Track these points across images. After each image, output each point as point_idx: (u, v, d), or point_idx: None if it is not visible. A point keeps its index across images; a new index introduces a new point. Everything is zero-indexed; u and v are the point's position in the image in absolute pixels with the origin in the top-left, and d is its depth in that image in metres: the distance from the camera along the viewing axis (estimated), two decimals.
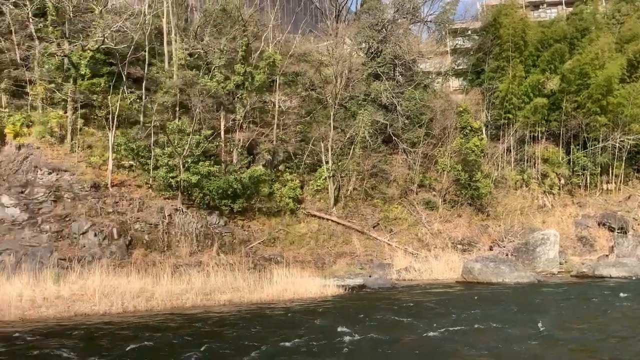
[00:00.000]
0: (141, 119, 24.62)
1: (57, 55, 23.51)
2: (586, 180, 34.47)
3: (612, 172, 34.46)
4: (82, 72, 23.29)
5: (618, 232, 30.22)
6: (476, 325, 12.64)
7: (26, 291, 16.11)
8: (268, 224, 25.74)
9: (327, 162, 28.41)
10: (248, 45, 27.08)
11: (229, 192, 23.84)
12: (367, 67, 32.14)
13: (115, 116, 22.89)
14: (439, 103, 32.65)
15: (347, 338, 11.37)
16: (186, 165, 23.04)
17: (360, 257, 25.80)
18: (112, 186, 22.30)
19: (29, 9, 23.52)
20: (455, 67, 39.21)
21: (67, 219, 20.49)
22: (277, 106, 28.36)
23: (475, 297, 17.77)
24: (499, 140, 34.51)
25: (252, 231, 24.90)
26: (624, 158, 34.17)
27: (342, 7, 39.10)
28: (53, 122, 22.77)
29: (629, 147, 33.85)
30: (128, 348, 10.87)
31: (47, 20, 23.33)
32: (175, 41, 27.00)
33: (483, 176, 31.08)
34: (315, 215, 27.19)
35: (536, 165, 34.30)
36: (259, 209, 25.70)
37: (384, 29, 33.50)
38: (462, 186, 30.67)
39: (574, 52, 35.23)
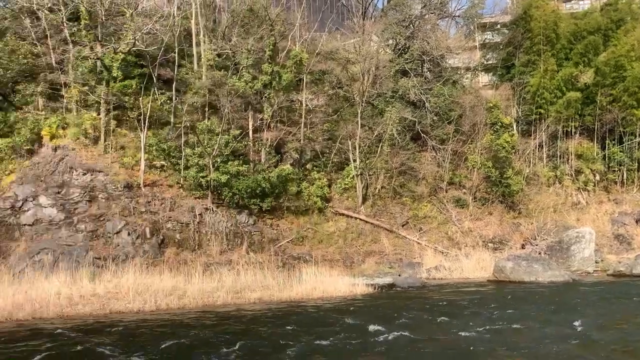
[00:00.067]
0: (172, 119, 25.02)
1: (90, 59, 24.10)
2: (622, 176, 33.44)
3: None
4: (114, 75, 23.80)
5: None
6: (512, 325, 12.40)
7: (64, 289, 16.60)
8: (296, 222, 25.82)
9: (354, 161, 28.30)
10: (275, 44, 27.20)
11: (258, 191, 24.01)
12: (395, 64, 31.88)
13: (147, 117, 23.32)
14: (468, 99, 32.15)
15: (381, 337, 11.30)
16: (216, 165, 23.30)
17: (389, 256, 25.63)
18: (145, 186, 22.74)
19: (64, 14, 24.17)
20: (485, 62, 38.56)
21: (101, 219, 21.00)
22: (304, 105, 28.40)
23: (509, 297, 17.44)
24: (531, 136, 33.78)
25: (281, 230, 25.02)
26: None
27: (369, 4, 38.97)
28: (87, 124, 23.34)
29: None
30: (164, 345, 11.06)
31: (81, 24, 23.93)
32: (204, 42, 27.32)
33: (514, 173, 30.48)
34: (343, 214, 27.13)
35: (570, 161, 33.44)
36: (287, 207, 25.80)
37: (411, 25, 33.16)
38: (493, 183, 30.13)
39: (608, 44, 34.21)
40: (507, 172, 29.72)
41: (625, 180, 33.41)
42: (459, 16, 38.61)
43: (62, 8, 24.12)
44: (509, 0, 43.72)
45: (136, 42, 23.92)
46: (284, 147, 27.87)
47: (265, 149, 26.55)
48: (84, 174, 22.06)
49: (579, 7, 44.03)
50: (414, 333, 11.57)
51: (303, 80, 28.65)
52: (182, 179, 23.55)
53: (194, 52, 27.36)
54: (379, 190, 28.94)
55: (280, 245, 24.13)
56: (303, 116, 28.21)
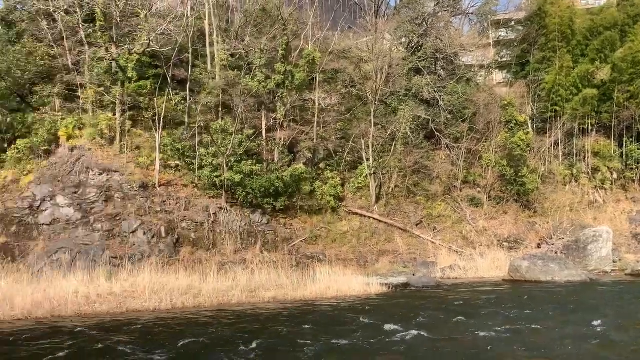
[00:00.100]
0: (186, 119, 25.18)
1: (105, 60, 24.35)
2: None
3: None
4: (129, 75, 24.00)
5: None
6: (531, 325, 12.27)
7: (81, 288, 16.82)
8: (310, 222, 25.82)
9: (368, 160, 28.22)
10: (288, 44, 27.22)
11: (271, 191, 24.06)
12: (408, 62, 31.70)
13: (162, 117, 23.50)
14: (482, 97, 31.87)
15: (399, 336, 11.28)
16: (229, 165, 23.39)
17: (403, 255, 25.53)
18: (160, 186, 22.92)
19: (79, 16, 24.43)
20: (499, 60, 38.18)
21: (117, 218, 21.22)
22: (317, 104, 28.40)
23: (525, 296, 17.27)
24: (546, 134, 33.40)
25: (294, 229, 25.04)
26: None
27: (382, 2, 38.76)
28: (103, 124, 23.58)
29: None
30: (183, 343, 11.17)
31: (96, 25, 24.17)
32: (217, 42, 27.45)
33: (529, 171, 30.15)
34: (356, 213, 27.07)
35: (586, 159, 33.00)
36: (300, 207, 25.82)
37: (424, 23, 32.95)
38: (508, 182, 29.84)
39: (625, 40, 33.66)
40: (522, 170, 29.42)
41: None
42: (472, 13, 38.31)
43: (78, 10, 24.38)
44: None
45: (150, 42, 24.10)
46: (297, 147, 27.89)
47: (278, 148, 26.60)
48: (100, 174, 22.30)
49: (594, 3, 43.34)
50: (431, 333, 11.52)
51: (316, 79, 28.64)
52: (196, 178, 23.69)
53: (208, 53, 27.50)
54: (392, 189, 28.82)
55: (294, 245, 24.16)
56: (316, 115, 28.21)
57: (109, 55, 24.08)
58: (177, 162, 24.14)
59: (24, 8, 26.03)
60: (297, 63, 27.84)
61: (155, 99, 24.12)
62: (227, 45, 27.94)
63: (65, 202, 21.12)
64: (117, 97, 24.04)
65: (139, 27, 24.90)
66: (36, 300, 15.43)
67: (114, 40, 24.41)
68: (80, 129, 23.68)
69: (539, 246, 27.53)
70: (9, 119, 23.43)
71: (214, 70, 26.79)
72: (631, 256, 27.11)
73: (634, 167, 32.93)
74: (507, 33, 39.46)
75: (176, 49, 25.10)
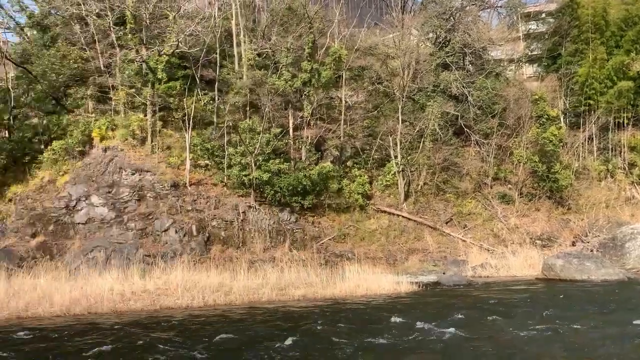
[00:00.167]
0: (214, 119, 25.46)
1: (136, 61, 24.81)
2: None
3: None
4: (159, 77, 24.39)
5: None
6: (570, 325, 11.97)
7: (116, 285, 17.20)
8: (338, 220, 25.79)
9: (396, 157, 28.00)
10: (314, 42, 27.21)
11: (299, 189, 24.11)
12: (436, 58, 31.31)
13: (191, 118, 23.80)
14: (512, 92, 31.26)
15: (434, 335, 11.17)
16: (257, 164, 23.55)
17: (433, 253, 25.24)
18: (190, 185, 23.25)
19: (110, 19, 24.97)
20: (529, 53, 37.38)
21: (150, 217, 21.62)
22: (343, 102, 28.31)
23: (561, 295, 16.86)
24: (579, 128, 32.56)
25: (323, 227, 25.05)
26: None
27: None
28: (134, 125, 24.03)
29: None
30: (219, 339, 11.30)
31: (127, 28, 24.64)
32: (244, 42, 27.64)
33: (562, 167, 29.45)
34: (385, 211, 26.90)
35: (622, 154, 32.05)
36: (328, 205, 25.80)
37: (451, 17, 32.47)
38: (540, 178, 29.17)
39: None
40: (554, 166, 28.75)
41: None
42: (501, 6, 37.74)
43: (109, 13, 24.92)
44: None
45: (179, 44, 24.45)
46: (324, 145, 27.87)
47: (305, 146, 26.64)
48: (133, 174, 22.75)
49: None
50: (467, 332, 11.35)
51: (342, 76, 28.55)
52: (225, 177, 23.93)
53: (235, 53, 27.73)
54: (421, 186, 28.53)
55: (322, 243, 24.16)
56: (343, 113, 28.13)
57: (139, 57, 24.52)
58: (207, 162, 24.45)
59: (58, 13, 26.71)
60: (324, 61, 27.82)
61: (184, 99, 24.46)
62: (254, 45, 28.11)
63: (99, 202, 21.63)
64: (148, 98, 24.47)
65: (168, 28, 25.30)
66: (74, 297, 15.87)
67: (144, 42, 24.84)
68: (112, 130, 24.21)
69: (573, 244, 26.85)
70: (45, 121, 24.14)
71: (241, 70, 26.99)
72: None
73: None
74: (537, 25, 38.58)
75: (204, 50, 25.39)
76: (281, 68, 26.98)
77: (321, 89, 27.26)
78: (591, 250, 25.22)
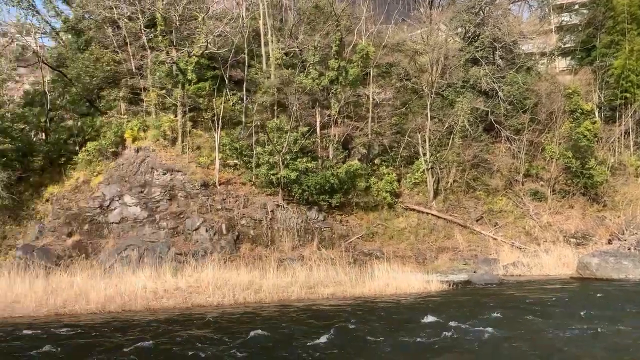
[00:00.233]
0: (243, 119, 25.70)
1: (166, 63, 25.25)
2: None
3: None
4: (189, 78, 24.78)
5: None
6: (612, 325, 11.64)
7: (149, 283, 17.59)
8: (366, 218, 25.70)
9: (424, 154, 27.70)
10: (341, 39, 27.15)
11: (327, 187, 24.12)
12: (465, 53, 30.81)
13: (220, 118, 24.09)
14: (544, 86, 30.52)
15: (469, 335, 11.05)
16: (285, 162, 23.67)
17: (463, 252, 24.91)
18: (220, 184, 23.55)
19: (141, 22, 25.45)
20: (562, 46, 36.39)
21: (181, 216, 22.01)
22: (371, 99, 28.17)
23: (598, 295, 16.39)
24: (615, 122, 31.57)
25: (351, 226, 25.01)
26: None
27: None
28: (165, 126, 24.47)
29: None
30: (253, 336, 11.43)
31: (157, 30, 25.09)
32: (272, 42, 27.79)
33: (597, 163, 28.59)
34: (414, 209, 26.66)
35: None
36: (356, 203, 25.74)
37: (481, 12, 31.87)
38: (574, 174, 28.38)
39: None
40: (589, 162, 27.93)
41: None
42: None
43: (140, 16, 25.40)
44: None
45: (208, 45, 24.75)
46: (351, 143, 27.80)
47: (333, 145, 26.63)
48: (164, 174, 23.18)
49: None
50: (502, 331, 11.18)
51: (370, 74, 28.41)
52: (254, 176, 24.14)
53: (263, 52, 27.90)
54: (450, 184, 28.16)
55: (351, 241, 24.13)
56: (370, 110, 27.99)
57: (170, 58, 24.95)
58: (236, 161, 24.71)
59: (91, 17, 27.39)
60: (351, 58, 27.73)
61: (213, 99, 24.76)
62: (282, 44, 28.23)
63: (132, 202, 22.13)
64: (178, 99, 24.87)
65: (197, 30, 25.66)
66: (109, 295, 16.32)
67: (174, 43, 25.26)
68: (144, 130, 24.71)
69: (609, 242, 26.04)
70: (79, 123, 24.82)
71: (269, 70, 27.15)
72: None
73: None
74: (570, 17, 37.53)
75: (232, 50, 25.65)
76: (308, 66, 27.03)
77: (348, 87, 27.19)
78: (629, 249, 24.39)
